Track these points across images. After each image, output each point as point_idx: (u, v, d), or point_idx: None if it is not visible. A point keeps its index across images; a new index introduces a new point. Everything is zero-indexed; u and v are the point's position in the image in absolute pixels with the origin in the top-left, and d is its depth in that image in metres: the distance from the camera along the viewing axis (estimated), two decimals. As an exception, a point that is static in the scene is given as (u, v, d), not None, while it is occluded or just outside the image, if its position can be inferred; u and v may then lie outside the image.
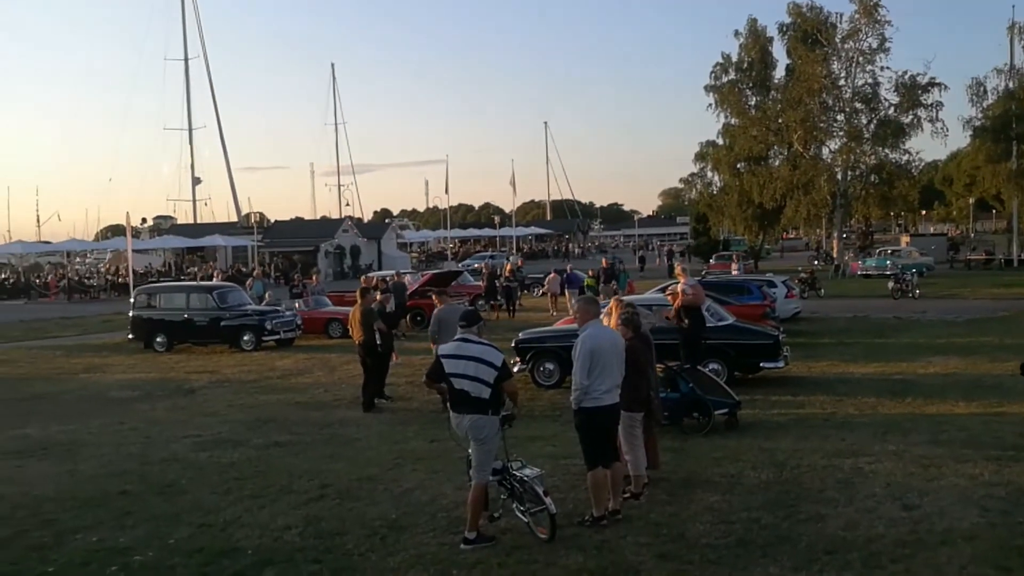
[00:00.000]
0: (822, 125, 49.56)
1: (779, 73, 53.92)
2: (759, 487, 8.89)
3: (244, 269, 54.58)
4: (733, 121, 53.41)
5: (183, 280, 48.86)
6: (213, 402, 15.77)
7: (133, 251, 39.67)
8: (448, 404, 7.83)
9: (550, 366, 15.67)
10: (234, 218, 78.30)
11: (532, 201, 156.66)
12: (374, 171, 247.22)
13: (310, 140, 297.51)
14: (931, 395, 13.78)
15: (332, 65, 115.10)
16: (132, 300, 26.09)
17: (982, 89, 53.01)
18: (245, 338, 23.55)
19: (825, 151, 51.17)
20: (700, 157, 57.12)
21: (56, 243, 74.73)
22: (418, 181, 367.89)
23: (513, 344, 16.10)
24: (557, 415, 12.88)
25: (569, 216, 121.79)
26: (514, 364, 15.04)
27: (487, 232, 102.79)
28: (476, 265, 51.73)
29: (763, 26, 53.60)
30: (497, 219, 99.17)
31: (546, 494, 7.38)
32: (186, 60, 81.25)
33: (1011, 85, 52.57)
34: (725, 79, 53.89)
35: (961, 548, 6.95)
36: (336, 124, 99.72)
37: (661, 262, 60.95)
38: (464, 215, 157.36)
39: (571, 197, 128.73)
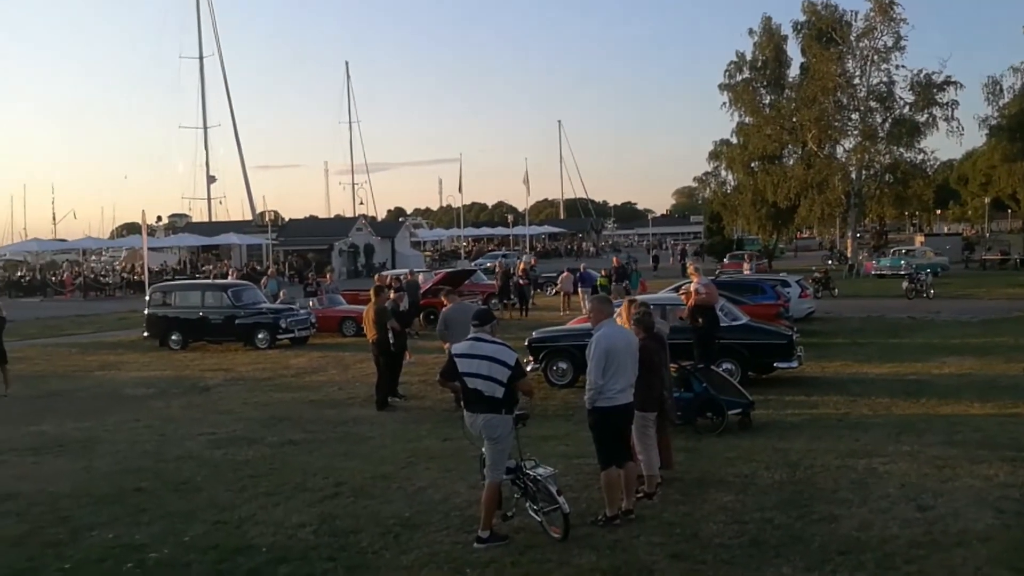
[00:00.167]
0: (836, 124, 49.35)
1: (793, 72, 53.82)
2: (772, 487, 8.88)
3: (259, 267, 54.78)
4: (747, 120, 53.27)
5: (198, 278, 49.04)
6: (228, 400, 15.85)
7: (148, 249, 39.87)
8: (462, 403, 7.86)
9: (563, 365, 15.67)
10: (249, 216, 78.66)
11: (545, 200, 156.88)
12: (388, 170, 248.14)
13: (324, 139, 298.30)
14: (946, 396, 13.72)
15: (346, 64, 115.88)
16: (147, 298, 26.22)
17: (998, 88, 52.84)
18: (259, 336, 23.63)
19: (839, 150, 51.04)
20: (714, 156, 56.97)
21: (72, 241, 75.12)
22: (432, 180, 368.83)
23: (526, 343, 16.12)
24: (570, 414, 12.89)
25: (582, 215, 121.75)
26: (527, 363, 15.05)
27: (500, 231, 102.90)
28: (488, 264, 51.73)
29: (777, 24, 53.50)
30: (510, 218, 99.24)
31: (559, 493, 7.40)
32: (201, 58, 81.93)
33: (1028, 84, 52.24)
34: (739, 78, 53.73)
35: (976, 549, 6.93)
36: (350, 123, 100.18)
37: (675, 261, 60.85)
38: (477, 214, 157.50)
39: (584, 196, 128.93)
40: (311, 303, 28.00)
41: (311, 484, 9.64)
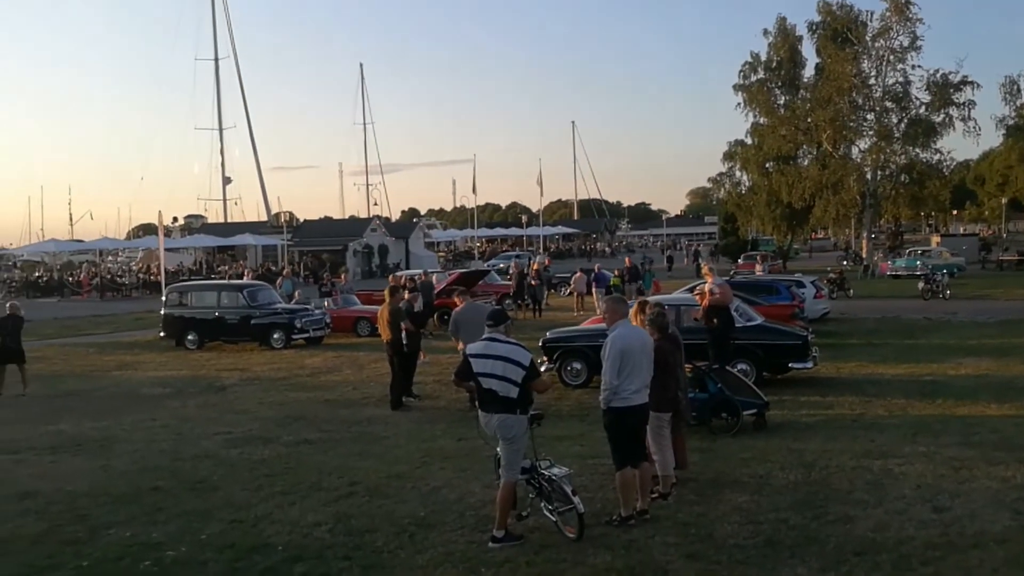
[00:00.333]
0: (852, 124, 49.09)
1: (808, 72, 53.52)
2: (787, 488, 8.87)
3: (274, 268, 54.96)
4: (762, 120, 53.06)
5: (214, 279, 49.26)
6: (244, 399, 15.93)
7: (165, 250, 40.08)
8: (476, 403, 7.88)
9: (577, 366, 15.67)
10: (264, 217, 79.00)
11: (559, 200, 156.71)
12: (402, 171, 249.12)
13: (339, 140, 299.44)
14: (962, 396, 13.65)
15: (361, 65, 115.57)
16: (164, 298, 26.39)
17: (1015, 87, 52.40)
18: (275, 336, 23.73)
19: (855, 150, 50.72)
20: (728, 156, 56.78)
21: (88, 241, 75.56)
22: (445, 181, 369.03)
23: (540, 343, 16.13)
24: (585, 415, 12.89)
25: (596, 216, 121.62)
26: (541, 364, 15.06)
27: (514, 231, 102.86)
28: (501, 265, 51.74)
29: (792, 25, 53.21)
30: (524, 218, 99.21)
31: (574, 493, 7.40)
32: (216, 60, 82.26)
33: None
34: (754, 78, 53.53)
35: (992, 551, 6.90)
36: (364, 124, 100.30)
37: (689, 262, 60.73)
38: (491, 214, 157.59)
39: (598, 196, 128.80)
40: (326, 303, 28.11)
41: (326, 483, 9.68)
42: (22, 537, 8.17)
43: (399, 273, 34.71)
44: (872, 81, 48.90)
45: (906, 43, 47.55)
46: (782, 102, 53.26)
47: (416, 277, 29.90)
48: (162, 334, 25.30)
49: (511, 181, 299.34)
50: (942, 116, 47.94)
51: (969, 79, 47.73)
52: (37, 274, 60.78)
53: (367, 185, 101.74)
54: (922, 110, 48.46)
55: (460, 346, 12.24)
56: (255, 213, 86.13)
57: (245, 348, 23.87)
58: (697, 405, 11.06)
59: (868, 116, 49.53)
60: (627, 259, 36.49)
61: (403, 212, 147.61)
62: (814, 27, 51.60)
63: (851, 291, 35.09)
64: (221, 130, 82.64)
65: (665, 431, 8.75)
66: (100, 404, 16.02)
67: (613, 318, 8.18)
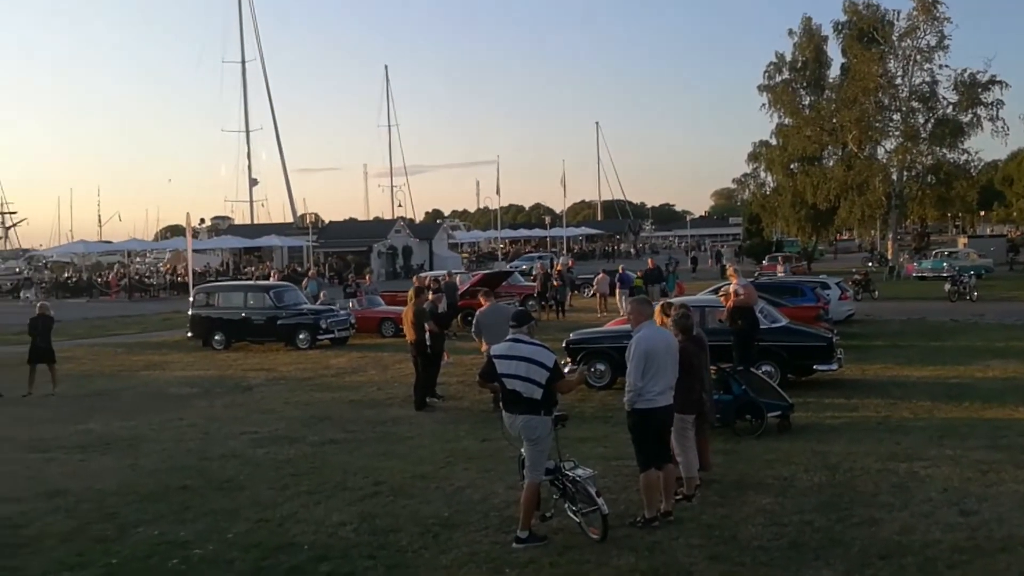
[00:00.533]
0: (878, 125, 48.72)
1: (834, 72, 53.24)
2: (812, 490, 8.84)
3: (299, 269, 55.28)
4: (787, 121, 52.82)
5: (240, 279, 49.61)
6: (270, 399, 16.05)
7: (192, 251, 40.43)
8: (500, 404, 7.91)
9: (601, 367, 15.65)
10: (290, 219, 79.54)
11: (583, 201, 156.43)
12: (426, 172, 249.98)
13: (364, 142, 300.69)
14: (989, 399, 13.51)
15: (386, 67, 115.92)
16: (191, 299, 26.63)
17: (1045, 87, 51.86)
18: (300, 337, 23.89)
19: (880, 151, 50.34)
20: (753, 157, 56.54)
21: (117, 243, 76.22)
22: (469, 182, 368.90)
23: (564, 344, 16.14)
24: (608, 416, 12.88)
25: (620, 216, 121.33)
26: (565, 365, 15.07)
27: (537, 232, 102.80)
28: (524, 267, 51.73)
29: (818, 25, 53.02)
30: (548, 219, 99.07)
31: (598, 494, 7.42)
32: (243, 63, 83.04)
33: (1075, 83, 51.27)
34: (779, 79, 53.32)
35: (1020, 555, 6.86)
36: (389, 126, 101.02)
37: (714, 263, 60.52)
38: (515, 215, 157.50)
39: (622, 197, 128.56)
40: (350, 304, 28.26)
41: (351, 483, 9.75)
42: (52, 535, 8.28)
43: (423, 274, 34.82)
44: (898, 81, 48.56)
45: (933, 42, 47.20)
46: (807, 102, 53.01)
47: (440, 278, 29.99)
48: (189, 334, 25.53)
49: (534, 182, 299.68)
50: (970, 116, 47.49)
51: (997, 78, 47.26)
52: (66, 275, 61.48)
53: (391, 186, 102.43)
54: (949, 110, 48.04)
55: (484, 347, 12.27)
56: (281, 215, 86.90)
57: (271, 348, 24.04)
58: (721, 407, 11.03)
59: (894, 116, 49.15)
60: (650, 260, 36.38)
61: (427, 213, 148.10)
62: (840, 27, 51.32)
63: (876, 293, 34.85)
64: (248, 132, 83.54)
65: (689, 433, 8.74)
66: (128, 403, 16.20)
67: (638, 319, 8.18)
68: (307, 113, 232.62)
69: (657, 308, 9.04)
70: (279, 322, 24.28)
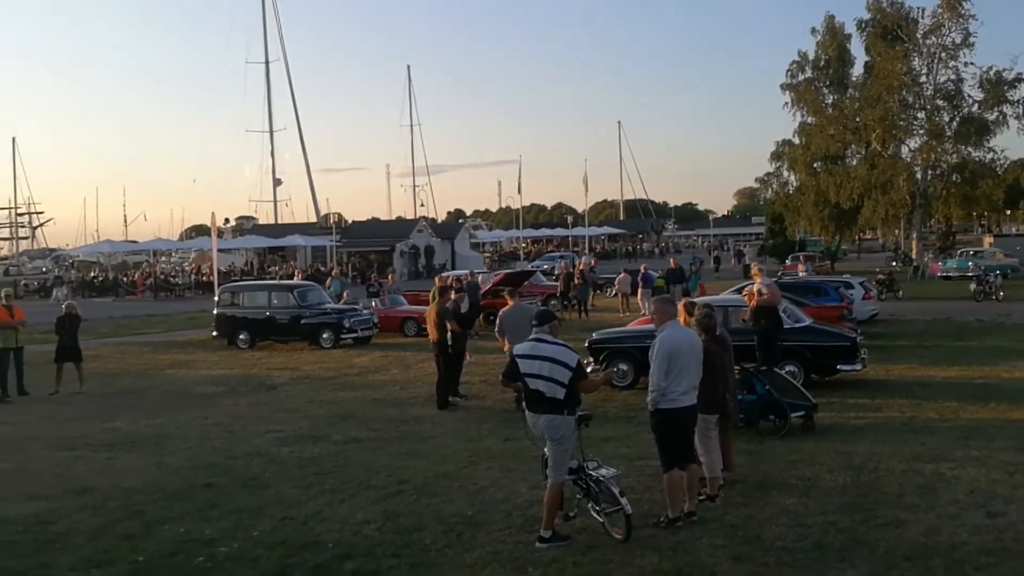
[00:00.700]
0: (902, 123, 48.40)
1: (857, 70, 52.97)
2: (836, 490, 8.81)
3: (323, 268, 55.53)
4: (810, 120, 52.56)
5: (264, 279, 49.89)
6: (294, 398, 16.14)
7: (217, 250, 40.70)
8: (523, 403, 7.92)
9: (624, 367, 15.62)
10: (313, 218, 79.77)
11: (605, 201, 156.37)
12: (448, 172, 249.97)
13: (387, 142, 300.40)
14: (1016, 400, 13.38)
15: (408, 67, 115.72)
16: (216, 298, 26.83)
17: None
18: (324, 336, 24.01)
19: (904, 150, 50.05)
20: (776, 156, 56.35)
21: (142, 242, 76.92)
22: (491, 181, 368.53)
23: (587, 344, 16.14)
24: (631, 416, 12.87)
25: (642, 216, 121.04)
26: (587, 364, 15.05)
27: (559, 232, 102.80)
28: (546, 267, 51.71)
29: (841, 23, 52.74)
30: (570, 219, 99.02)
31: (622, 494, 7.42)
32: (267, 63, 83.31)
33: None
34: (802, 77, 53.08)
35: (1047, 557, 6.81)
36: (412, 126, 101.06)
37: (736, 263, 60.30)
38: (536, 215, 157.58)
39: (644, 197, 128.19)
40: (373, 303, 28.35)
41: (375, 482, 9.80)
42: (79, 532, 8.37)
43: (446, 274, 34.88)
44: (923, 79, 48.23)
45: (958, 40, 46.85)
46: (830, 101, 52.76)
47: (462, 278, 30.03)
48: (214, 333, 25.70)
49: (556, 181, 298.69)
50: (995, 114, 47.18)
51: (1024, 76, 46.84)
52: (92, 274, 62.05)
53: (414, 186, 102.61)
54: (975, 108, 47.72)
55: (506, 346, 12.30)
56: (304, 214, 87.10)
57: (295, 347, 24.17)
58: (745, 407, 11.00)
59: (919, 115, 48.80)
60: (672, 260, 36.28)
61: (449, 213, 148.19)
62: (863, 25, 50.98)
63: (900, 292, 34.61)
64: (272, 132, 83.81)
65: (712, 433, 8.72)
66: (154, 402, 16.34)
67: (662, 319, 8.17)
68: (330, 113, 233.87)
69: (680, 307, 9.03)
70: (303, 321, 24.39)
